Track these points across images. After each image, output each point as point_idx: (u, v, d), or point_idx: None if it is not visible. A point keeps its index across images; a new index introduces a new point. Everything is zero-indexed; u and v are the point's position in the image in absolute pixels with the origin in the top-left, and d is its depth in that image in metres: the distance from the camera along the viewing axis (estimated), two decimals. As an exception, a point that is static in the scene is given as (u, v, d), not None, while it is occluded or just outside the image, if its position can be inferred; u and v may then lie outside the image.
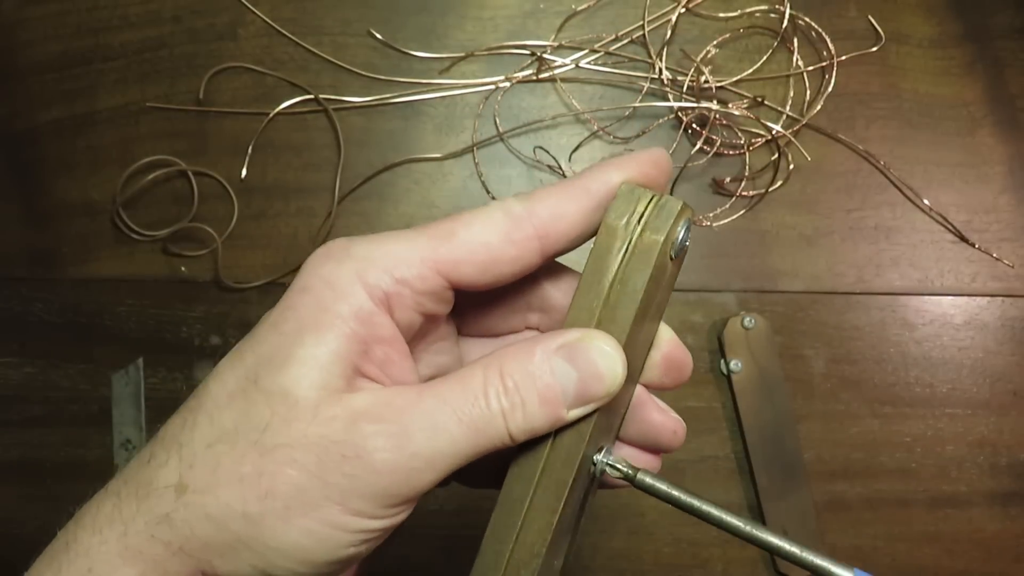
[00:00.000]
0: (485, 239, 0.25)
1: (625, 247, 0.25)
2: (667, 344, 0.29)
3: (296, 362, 0.24)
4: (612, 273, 0.25)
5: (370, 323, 0.25)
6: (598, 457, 0.28)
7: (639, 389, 0.29)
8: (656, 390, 0.30)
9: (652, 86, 0.61)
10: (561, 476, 0.25)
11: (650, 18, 0.62)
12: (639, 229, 0.25)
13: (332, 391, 0.24)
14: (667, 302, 0.29)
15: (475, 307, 0.30)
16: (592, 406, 0.25)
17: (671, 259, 0.26)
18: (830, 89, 0.61)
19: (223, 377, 0.26)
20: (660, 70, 0.61)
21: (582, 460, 0.26)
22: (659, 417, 0.29)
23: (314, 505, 0.23)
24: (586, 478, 0.27)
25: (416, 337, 0.28)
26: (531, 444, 0.26)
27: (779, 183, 0.61)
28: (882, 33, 0.62)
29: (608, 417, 0.27)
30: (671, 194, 0.38)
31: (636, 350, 0.27)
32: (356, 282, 0.25)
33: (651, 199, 0.25)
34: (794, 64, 0.62)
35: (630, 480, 0.28)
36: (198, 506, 0.23)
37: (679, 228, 0.26)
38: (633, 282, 0.25)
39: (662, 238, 0.25)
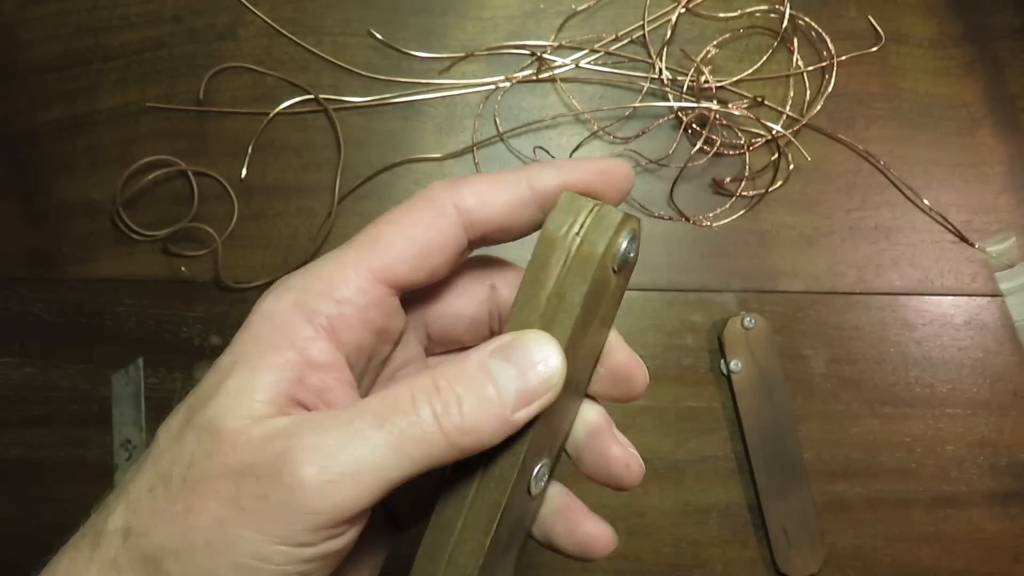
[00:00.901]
0: (409, 233, 0.25)
1: (563, 259, 0.24)
2: (614, 356, 0.28)
3: (223, 393, 0.24)
4: (550, 286, 0.24)
5: (304, 350, 0.24)
6: (536, 473, 0.26)
7: (600, 419, 0.29)
8: (610, 402, 0.29)
9: (652, 86, 0.61)
10: (494, 496, 0.25)
11: (650, 18, 0.62)
12: (577, 241, 0.24)
13: (258, 419, 0.23)
14: (615, 314, 0.28)
15: (439, 324, 0.30)
16: (536, 404, 0.24)
17: (614, 271, 0.25)
18: (830, 89, 0.61)
19: (168, 422, 0.25)
20: (660, 70, 0.61)
21: (517, 479, 0.25)
22: (616, 450, 0.28)
23: (235, 538, 0.22)
24: (524, 498, 0.26)
25: (377, 359, 0.27)
26: (464, 465, 0.25)
27: (779, 183, 0.61)
28: (882, 33, 0.62)
29: (547, 433, 0.26)
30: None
31: (579, 364, 0.26)
32: (295, 312, 0.24)
33: (591, 209, 0.25)
34: (794, 64, 0.62)
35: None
36: (137, 548, 0.23)
37: (620, 240, 0.25)
38: (571, 296, 0.24)
39: (600, 251, 0.24)
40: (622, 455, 0.28)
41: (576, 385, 0.27)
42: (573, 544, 0.29)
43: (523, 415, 0.24)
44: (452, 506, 0.25)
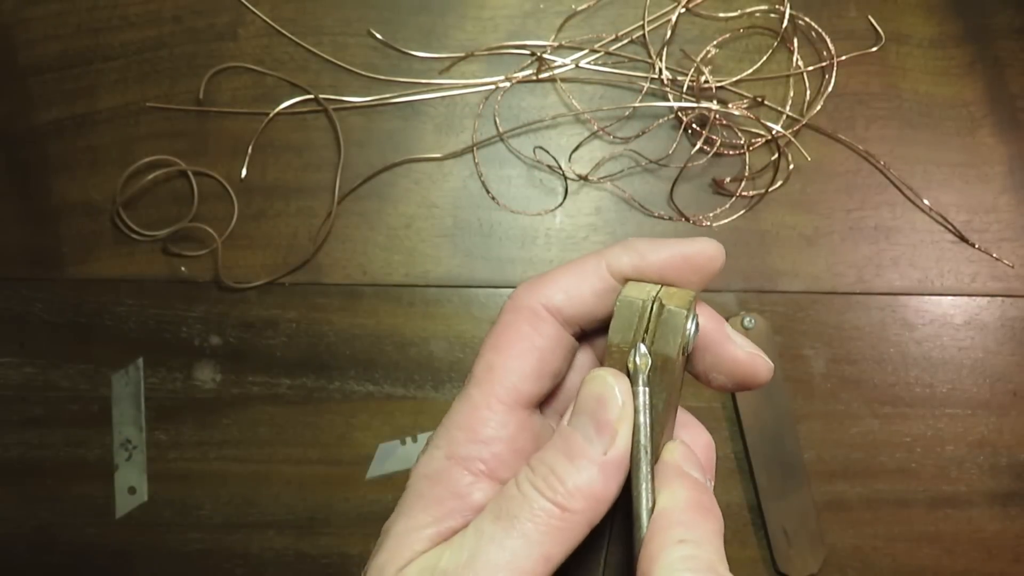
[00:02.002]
0: (517, 352, 0.26)
1: (644, 373, 0.24)
2: (733, 356, 0.26)
3: (385, 546, 0.25)
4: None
5: (467, 496, 0.25)
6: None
7: (711, 324, 0.27)
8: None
9: (652, 86, 0.61)
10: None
11: (650, 18, 0.62)
12: (650, 352, 0.24)
13: (414, 561, 0.24)
14: (683, 378, 0.27)
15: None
16: (623, 432, 0.24)
17: (684, 355, 0.25)
18: (830, 89, 0.61)
19: None
20: (660, 70, 0.61)
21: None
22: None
23: None
24: None
25: None
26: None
27: (779, 183, 0.61)
28: (882, 33, 0.62)
29: None
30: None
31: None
32: (450, 465, 0.25)
33: (651, 308, 0.24)
34: (794, 64, 0.62)
35: None
36: None
37: (688, 329, 0.24)
38: (655, 406, 0.24)
39: (674, 356, 0.24)
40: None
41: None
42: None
43: (615, 450, 0.23)
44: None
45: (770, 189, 0.61)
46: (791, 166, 0.61)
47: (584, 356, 0.28)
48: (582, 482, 0.23)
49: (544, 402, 0.27)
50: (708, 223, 0.60)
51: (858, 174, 0.61)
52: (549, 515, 0.23)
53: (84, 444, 0.60)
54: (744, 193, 0.61)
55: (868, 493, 0.59)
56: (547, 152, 0.61)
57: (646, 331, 0.24)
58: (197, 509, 0.60)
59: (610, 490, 0.23)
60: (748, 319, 0.58)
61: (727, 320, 0.58)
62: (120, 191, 0.60)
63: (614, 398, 0.24)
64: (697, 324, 0.25)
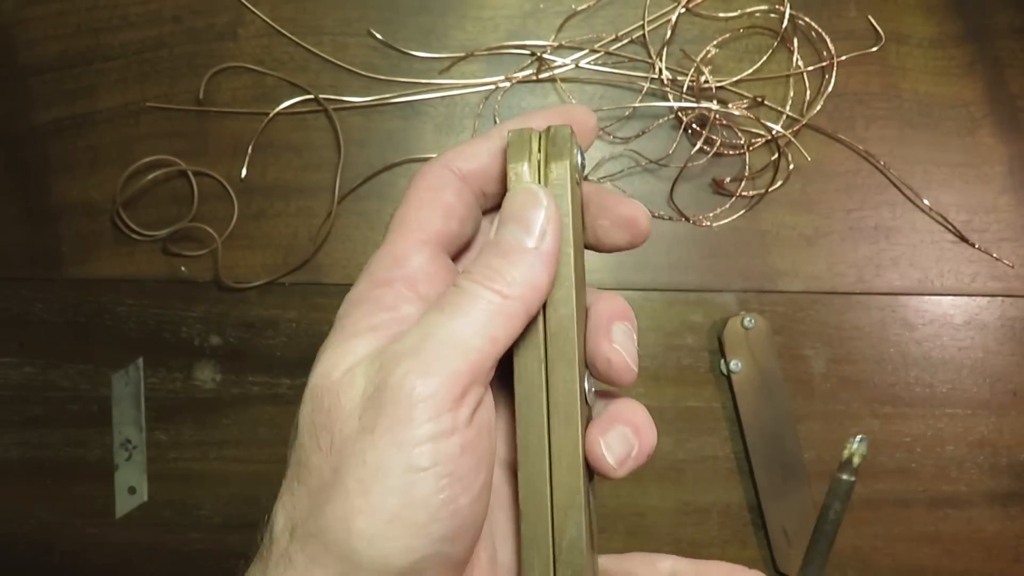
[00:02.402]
0: (427, 200, 0.27)
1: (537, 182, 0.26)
2: (615, 209, 0.28)
3: (320, 363, 0.26)
4: None
5: (395, 308, 0.26)
6: (587, 386, 0.27)
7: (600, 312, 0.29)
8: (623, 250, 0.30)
9: (652, 86, 0.61)
10: (569, 388, 0.26)
11: (650, 18, 0.62)
12: (542, 167, 0.26)
13: (354, 365, 0.25)
14: (583, 225, 0.29)
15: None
16: (551, 230, 0.25)
17: (577, 183, 0.27)
18: (830, 89, 0.61)
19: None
20: (660, 70, 0.61)
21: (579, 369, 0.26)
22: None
23: (382, 460, 0.23)
24: (585, 406, 0.27)
25: None
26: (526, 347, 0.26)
27: (779, 183, 0.61)
28: (882, 33, 0.62)
29: (581, 309, 0.27)
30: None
31: (579, 283, 0.27)
32: (375, 287, 0.27)
33: (540, 135, 0.26)
34: (794, 64, 0.62)
35: None
36: (305, 535, 0.24)
37: (576, 149, 0.27)
38: (562, 210, 0.26)
39: (567, 161, 0.26)
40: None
41: (580, 301, 0.28)
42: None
43: (547, 243, 0.25)
44: (532, 419, 0.26)
45: (770, 189, 0.61)
46: (791, 166, 0.61)
47: (489, 224, 0.30)
48: (517, 272, 0.24)
49: (456, 258, 0.29)
50: (708, 223, 0.60)
51: (858, 174, 0.61)
52: (490, 302, 0.24)
53: (84, 444, 0.60)
54: (744, 193, 0.61)
55: (868, 493, 0.59)
56: (547, 152, 0.61)
57: (538, 151, 0.26)
58: (197, 509, 0.60)
59: (544, 279, 0.25)
60: (748, 319, 0.58)
61: (727, 320, 0.58)
62: (120, 191, 0.60)
63: (539, 199, 0.25)
64: (583, 156, 0.27)
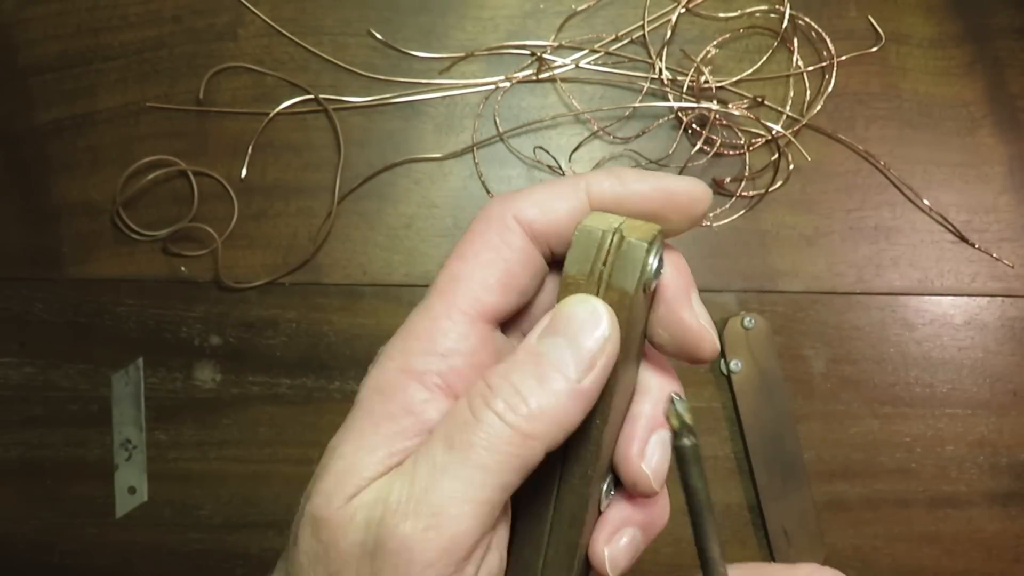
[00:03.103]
0: (483, 262, 0.24)
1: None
2: (680, 323, 0.24)
3: (328, 479, 0.24)
4: None
5: (422, 413, 0.23)
6: (603, 487, 0.25)
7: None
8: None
9: (652, 86, 0.61)
10: (578, 497, 0.24)
11: (650, 18, 0.62)
12: (603, 286, 0.22)
13: (361, 496, 0.23)
14: (646, 321, 0.25)
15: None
16: (600, 365, 0.22)
17: (644, 293, 0.23)
18: (830, 89, 0.61)
19: (297, 516, 0.25)
20: (660, 70, 0.61)
21: (594, 480, 0.24)
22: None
23: None
24: (594, 515, 0.25)
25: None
26: (535, 488, 0.24)
27: (779, 183, 0.61)
28: (882, 33, 0.62)
29: (613, 429, 0.25)
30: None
31: (622, 394, 0.25)
32: (404, 378, 0.24)
33: (611, 242, 0.22)
34: (794, 64, 0.62)
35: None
36: None
37: (650, 267, 0.23)
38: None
39: (631, 291, 0.22)
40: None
41: (618, 416, 0.25)
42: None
43: (590, 380, 0.22)
44: (536, 515, 0.24)
45: (770, 189, 0.61)
46: (791, 166, 0.61)
47: (554, 283, 0.26)
48: (548, 405, 0.21)
49: (509, 323, 0.25)
50: (708, 223, 0.60)
51: (858, 174, 0.61)
52: (508, 442, 0.21)
53: (84, 444, 0.60)
54: (744, 193, 0.61)
55: (868, 493, 0.59)
56: (547, 152, 0.61)
57: (604, 263, 0.23)
58: (197, 509, 0.60)
59: (574, 419, 0.22)
60: (748, 319, 0.58)
61: (727, 320, 0.58)
62: (120, 191, 0.60)
63: (599, 325, 0.22)
64: (661, 261, 0.24)
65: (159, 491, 0.60)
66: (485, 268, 0.24)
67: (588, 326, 0.22)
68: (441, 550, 0.20)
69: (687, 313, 0.24)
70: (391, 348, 0.24)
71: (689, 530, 0.56)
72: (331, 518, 0.22)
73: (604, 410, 0.23)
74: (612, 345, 0.22)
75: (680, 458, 0.23)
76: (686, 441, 0.23)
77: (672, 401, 0.23)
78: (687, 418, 0.23)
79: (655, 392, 0.25)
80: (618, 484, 0.26)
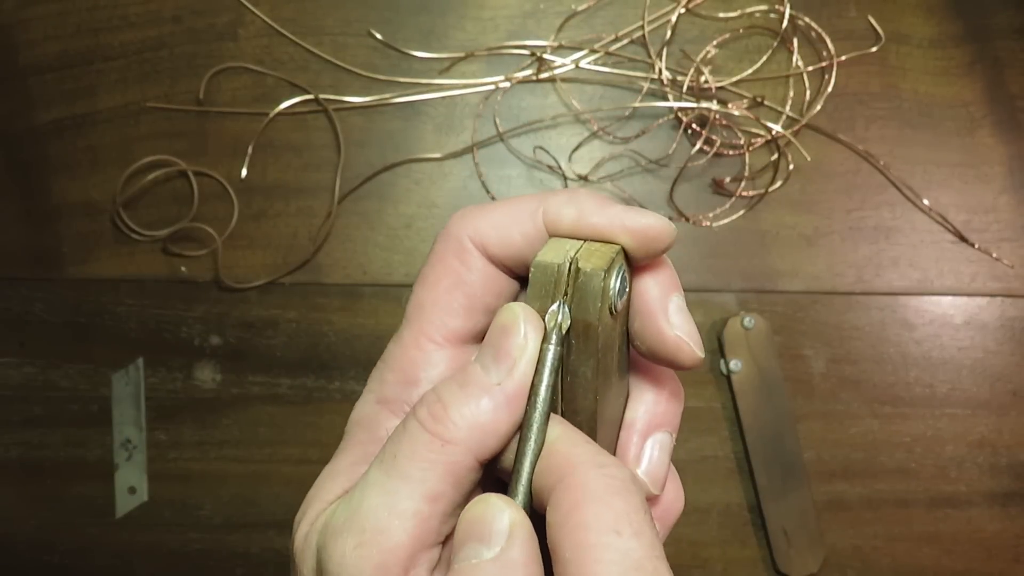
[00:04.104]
0: (445, 287, 0.25)
1: (561, 338, 0.23)
2: (657, 333, 0.24)
3: (303, 508, 0.25)
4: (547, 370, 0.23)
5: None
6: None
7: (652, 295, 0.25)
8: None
9: (652, 86, 0.61)
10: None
11: (650, 18, 0.62)
12: (566, 322, 0.23)
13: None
14: (625, 334, 0.25)
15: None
16: (520, 368, 0.22)
17: (612, 315, 0.23)
18: (830, 89, 0.61)
19: None
20: (660, 70, 0.61)
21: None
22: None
23: None
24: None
25: None
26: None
27: (779, 183, 0.61)
28: (882, 33, 0.62)
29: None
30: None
31: (613, 404, 0.25)
32: (380, 409, 0.25)
33: (568, 271, 0.23)
34: (794, 64, 0.62)
35: None
36: None
37: (612, 294, 0.23)
38: (582, 373, 0.23)
39: (594, 321, 0.22)
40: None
41: (612, 418, 0.25)
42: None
43: (512, 383, 0.22)
44: None
45: (770, 189, 0.61)
46: (791, 166, 0.61)
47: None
48: (467, 411, 0.21)
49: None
50: (708, 223, 0.60)
51: (858, 174, 0.61)
52: (428, 448, 0.21)
53: (84, 444, 0.60)
54: (744, 193, 0.61)
55: (868, 493, 0.59)
56: (547, 152, 0.61)
57: (565, 295, 0.23)
58: (197, 509, 0.60)
59: (499, 423, 0.22)
60: (748, 319, 0.58)
61: (727, 320, 0.58)
62: (120, 191, 0.60)
63: (517, 328, 0.22)
64: (625, 280, 0.23)
65: (159, 491, 0.60)
66: (448, 293, 0.24)
67: (508, 331, 0.22)
68: (374, 566, 0.20)
69: (664, 325, 0.24)
70: (371, 380, 0.25)
71: (689, 530, 0.55)
72: (297, 547, 0.23)
73: (585, 417, 0.23)
74: (531, 344, 0.22)
75: (540, 361, 0.23)
76: (550, 348, 0.23)
77: (557, 306, 0.23)
78: (563, 326, 0.23)
79: (649, 398, 0.26)
80: None
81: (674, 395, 0.26)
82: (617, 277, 0.23)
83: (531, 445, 0.22)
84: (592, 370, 0.23)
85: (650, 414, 0.25)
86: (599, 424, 0.24)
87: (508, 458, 0.23)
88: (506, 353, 0.22)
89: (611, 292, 0.23)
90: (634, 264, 0.24)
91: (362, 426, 0.24)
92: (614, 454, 0.25)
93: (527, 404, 0.23)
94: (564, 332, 0.23)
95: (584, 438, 0.23)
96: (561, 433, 0.22)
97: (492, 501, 0.21)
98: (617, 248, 0.23)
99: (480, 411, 0.21)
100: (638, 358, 0.26)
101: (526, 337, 0.22)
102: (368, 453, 0.24)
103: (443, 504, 0.21)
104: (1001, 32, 0.62)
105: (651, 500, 0.25)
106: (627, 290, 0.24)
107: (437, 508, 0.21)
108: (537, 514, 0.22)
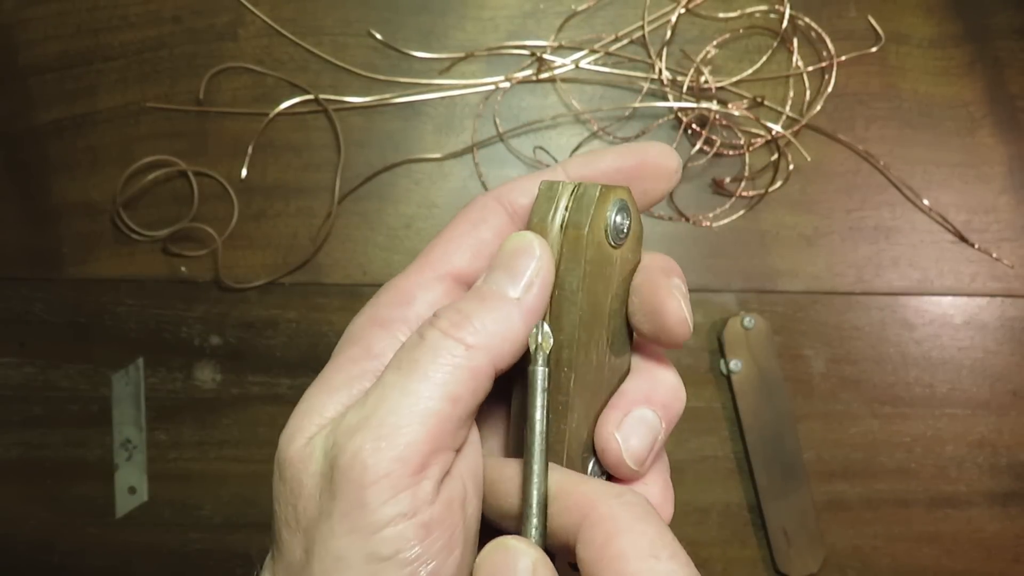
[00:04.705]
0: (458, 232, 0.26)
1: (558, 249, 0.24)
2: (653, 298, 0.25)
3: (292, 421, 0.25)
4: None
5: (382, 356, 0.25)
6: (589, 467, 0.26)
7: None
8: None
9: (652, 86, 0.61)
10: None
11: (650, 18, 0.62)
12: (562, 226, 0.24)
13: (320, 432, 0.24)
14: (626, 296, 0.26)
15: None
16: (538, 284, 0.23)
17: (612, 246, 0.25)
18: (830, 89, 0.61)
19: None
20: (660, 70, 0.61)
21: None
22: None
23: (341, 550, 0.21)
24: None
25: None
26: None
27: (779, 183, 0.61)
28: (882, 33, 0.62)
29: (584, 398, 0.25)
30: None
31: (599, 346, 0.25)
32: (371, 326, 0.25)
33: (572, 190, 0.25)
34: (794, 64, 0.62)
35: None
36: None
37: (607, 212, 0.24)
38: (569, 283, 0.24)
39: (585, 229, 0.24)
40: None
41: (607, 353, 0.26)
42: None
43: (531, 297, 0.23)
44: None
45: (770, 189, 0.61)
46: (791, 166, 0.61)
47: None
48: (489, 319, 0.23)
49: None
50: (708, 223, 0.61)
51: (858, 174, 0.61)
52: (452, 352, 0.22)
53: (84, 444, 0.60)
54: (744, 193, 0.61)
55: (868, 493, 0.59)
56: (547, 152, 0.61)
57: (566, 209, 0.24)
58: (197, 509, 0.60)
59: (517, 332, 0.23)
60: (748, 319, 0.58)
61: (727, 320, 0.58)
62: (120, 191, 0.60)
63: (532, 250, 0.24)
64: (629, 220, 0.25)
65: (159, 491, 0.60)
66: (461, 237, 0.26)
67: (521, 252, 0.24)
68: (392, 459, 0.21)
69: (666, 295, 0.25)
70: (366, 306, 0.26)
71: (689, 529, 0.56)
72: (292, 457, 0.23)
73: (573, 342, 0.24)
74: (546, 265, 0.24)
75: (527, 384, 0.24)
76: (538, 368, 0.24)
77: (539, 326, 0.24)
78: (545, 346, 0.24)
79: (645, 374, 0.27)
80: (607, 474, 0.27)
81: (666, 382, 0.27)
82: (616, 206, 0.25)
83: (535, 481, 0.23)
84: (578, 280, 0.24)
85: (638, 390, 0.26)
86: (576, 370, 0.24)
87: (507, 503, 0.24)
88: (521, 272, 0.23)
89: (608, 213, 0.24)
90: (651, 196, 0.26)
91: (355, 343, 0.24)
92: (595, 425, 0.26)
93: (525, 431, 0.23)
94: (547, 353, 0.24)
95: (585, 476, 0.24)
96: (563, 475, 0.23)
97: (510, 544, 0.21)
98: (626, 188, 0.25)
99: (501, 318, 0.23)
100: (638, 357, 0.27)
101: (540, 258, 0.24)
102: (365, 369, 0.24)
103: (460, 408, 0.22)
104: (1001, 32, 0.62)
105: (633, 480, 0.26)
106: (627, 231, 0.25)
107: (456, 411, 0.22)
108: (549, 552, 0.22)
